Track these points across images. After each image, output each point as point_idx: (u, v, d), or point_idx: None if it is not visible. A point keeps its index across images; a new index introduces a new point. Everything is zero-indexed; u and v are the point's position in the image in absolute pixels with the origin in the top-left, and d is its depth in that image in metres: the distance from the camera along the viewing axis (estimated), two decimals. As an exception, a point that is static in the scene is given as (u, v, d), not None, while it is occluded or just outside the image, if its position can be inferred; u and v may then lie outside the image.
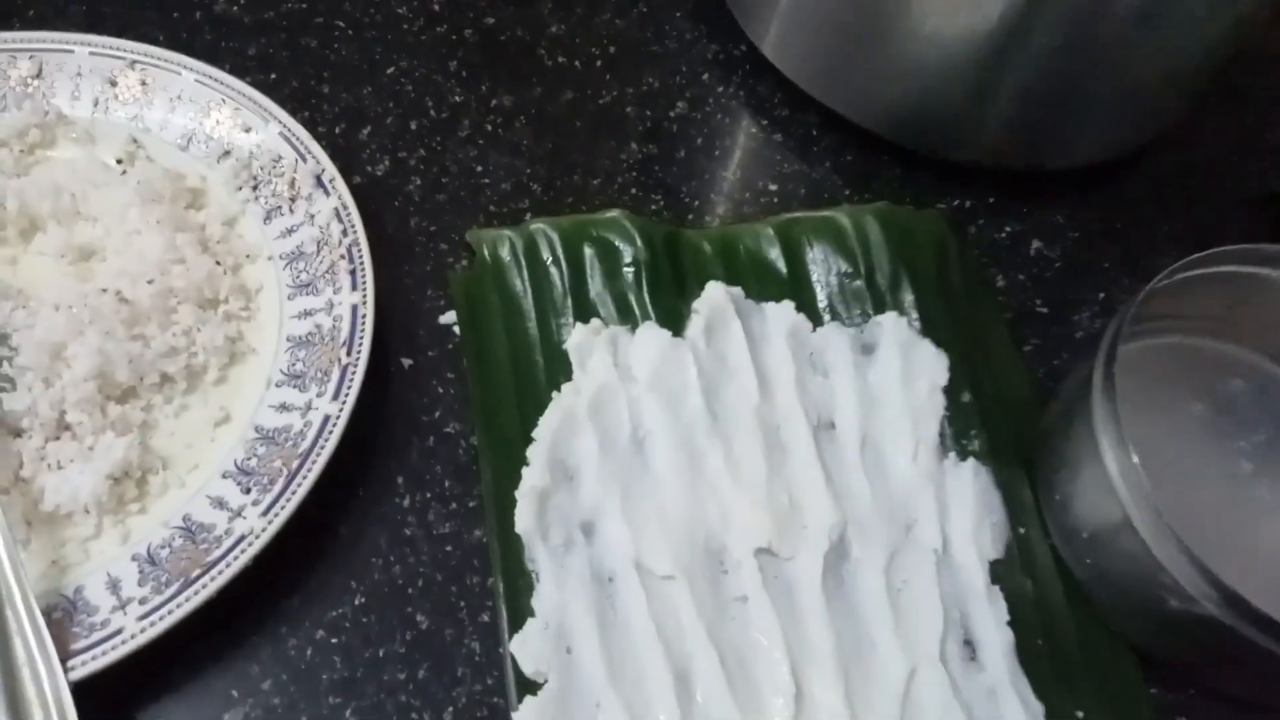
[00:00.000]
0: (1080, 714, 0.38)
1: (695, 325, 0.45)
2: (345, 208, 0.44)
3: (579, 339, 0.44)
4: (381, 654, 0.37)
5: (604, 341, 0.44)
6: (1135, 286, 0.50)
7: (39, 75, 0.46)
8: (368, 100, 0.51)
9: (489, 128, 0.51)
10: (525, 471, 0.41)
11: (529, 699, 0.36)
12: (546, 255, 0.46)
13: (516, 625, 0.38)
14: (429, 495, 0.41)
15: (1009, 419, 0.44)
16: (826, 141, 0.53)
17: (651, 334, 0.44)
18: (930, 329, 0.45)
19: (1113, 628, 0.40)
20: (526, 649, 0.37)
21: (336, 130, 0.50)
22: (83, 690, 0.34)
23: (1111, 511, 0.38)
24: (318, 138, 0.47)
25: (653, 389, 0.43)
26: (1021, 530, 0.42)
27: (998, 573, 0.40)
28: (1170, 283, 0.41)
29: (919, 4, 0.46)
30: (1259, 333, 0.45)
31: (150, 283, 0.41)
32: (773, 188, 0.51)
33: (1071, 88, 0.48)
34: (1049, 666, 0.39)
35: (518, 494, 0.40)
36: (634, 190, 0.50)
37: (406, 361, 0.44)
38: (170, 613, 0.35)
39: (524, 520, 0.40)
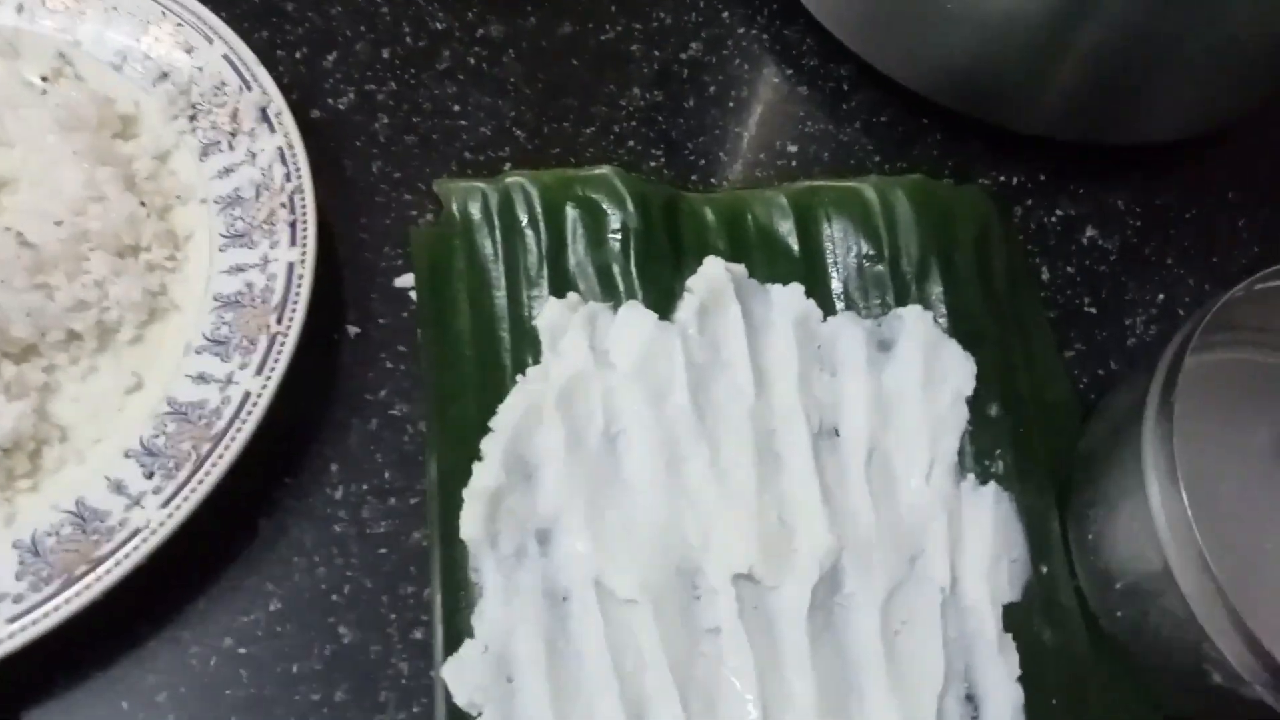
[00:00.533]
0: (1096, 793, 0.33)
1: (687, 306, 0.39)
2: (291, 148, 0.38)
3: (552, 315, 0.38)
4: (295, 670, 0.33)
5: (581, 320, 0.38)
6: (1201, 289, 0.44)
7: (-44, -26, 0.41)
8: (336, 21, 0.45)
9: (472, 61, 0.45)
10: (477, 467, 0.35)
11: (460, 734, 0.32)
12: (523, 215, 0.40)
13: (452, 646, 0.33)
14: (365, 488, 0.36)
15: (1042, 438, 0.39)
16: (859, 99, 0.46)
17: (636, 314, 0.38)
18: (959, 327, 0.39)
19: (1144, 693, 0.35)
20: (462, 675, 0.32)
21: (298, 55, 0.44)
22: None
23: (1153, 561, 0.33)
24: (276, 63, 0.41)
25: (632, 379, 0.37)
26: (1044, 570, 0.36)
27: (1012, 619, 0.35)
28: (1250, 293, 0.35)
29: (978, -58, 0.39)
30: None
31: (58, 224, 0.36)
32: (792, 149, 0.45)
33: (1155, 50, 0.41)
34: (1065, 733, 0.34)
35: (466, 493, 0.35)
36: (632, 143, 0.44)
37: (353, 330, 0.38)
38: (46, 615, 0.30)
39: (470, 524, 0.34)
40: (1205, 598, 0.31)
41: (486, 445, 0.36)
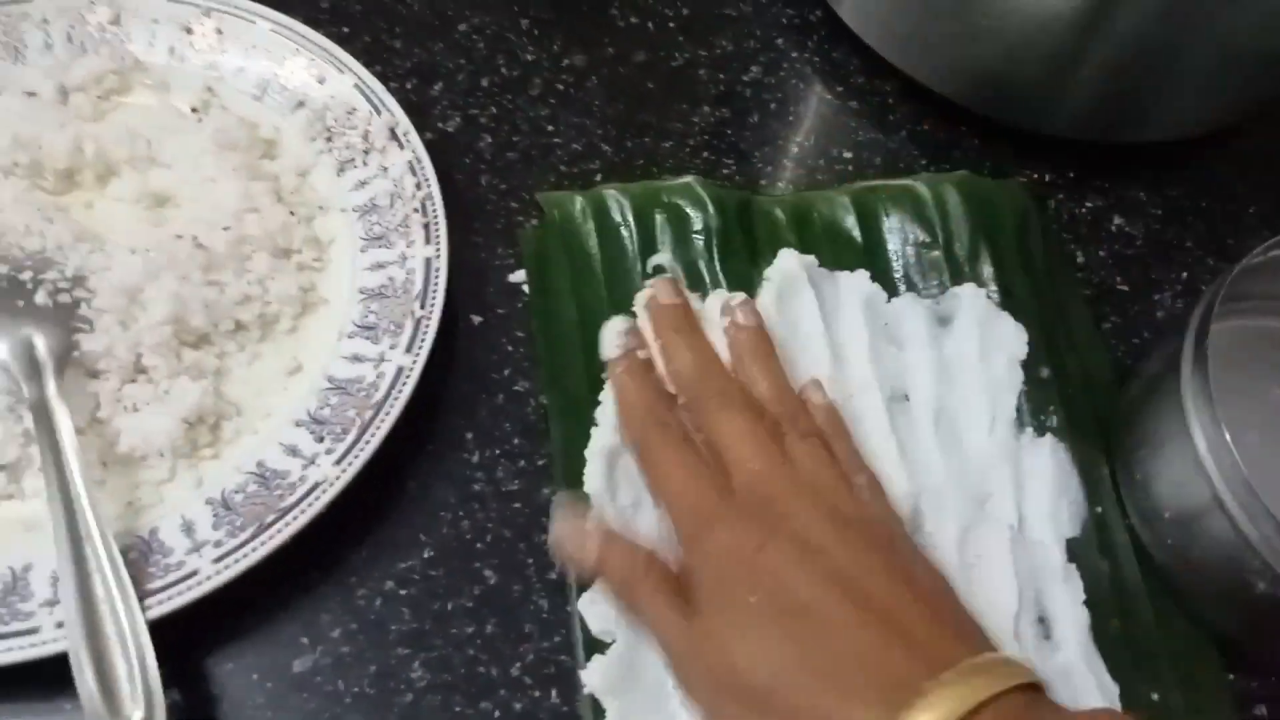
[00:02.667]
0: (1156, 696, 0.37)
1: (766, 293, 0.44)
2: (419, 161, 0.44)
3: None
4: (450, 608, 0.37)
5: None
6: (1219, 267, 0.49)
7: (116, 21, 0.46)
8: (439, 56, 0.51)
9: (560, 87, 0.51)
10: (595, 431, 0.40)
11: (597, 658, 0.36)
12: (617, 219, 0.45)
13: (585, 584, 0.38)
14: (497, 452, 0.41)
15: (1087, 397, 0.43)
16: (903, 110, 0.52)
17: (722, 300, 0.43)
18: (1009, 302, 0.44)
19: (1192, 612, 0.39)
20: (594, 608, 0.37)
21: (408, 86, 0.50)
22: (155, 632, 0.34)
23: (1197, 491, 0.37)
24: (389, 93, 0.46)
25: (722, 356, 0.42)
26: (1099, 510, 0.41)
27: (1074, 552, 0.40)
28: (1266, 259, 0.40)
29: (1007, -33, 0.45)
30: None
31: (226, 229, 0.41)
32: (847, 155, 0.50)
33: (1164, 59, 0.46)
34: (1125, 649, 0.38)
35: (587, 453, 0.40)
36: (706, 154, 0.50)
37: (476, 318, 0.44)
38: (245, 556, 0.35)
39: (593, 480, 0.39)
40: (1248, 513, 0.35)
41: (599, 414, 0.41)
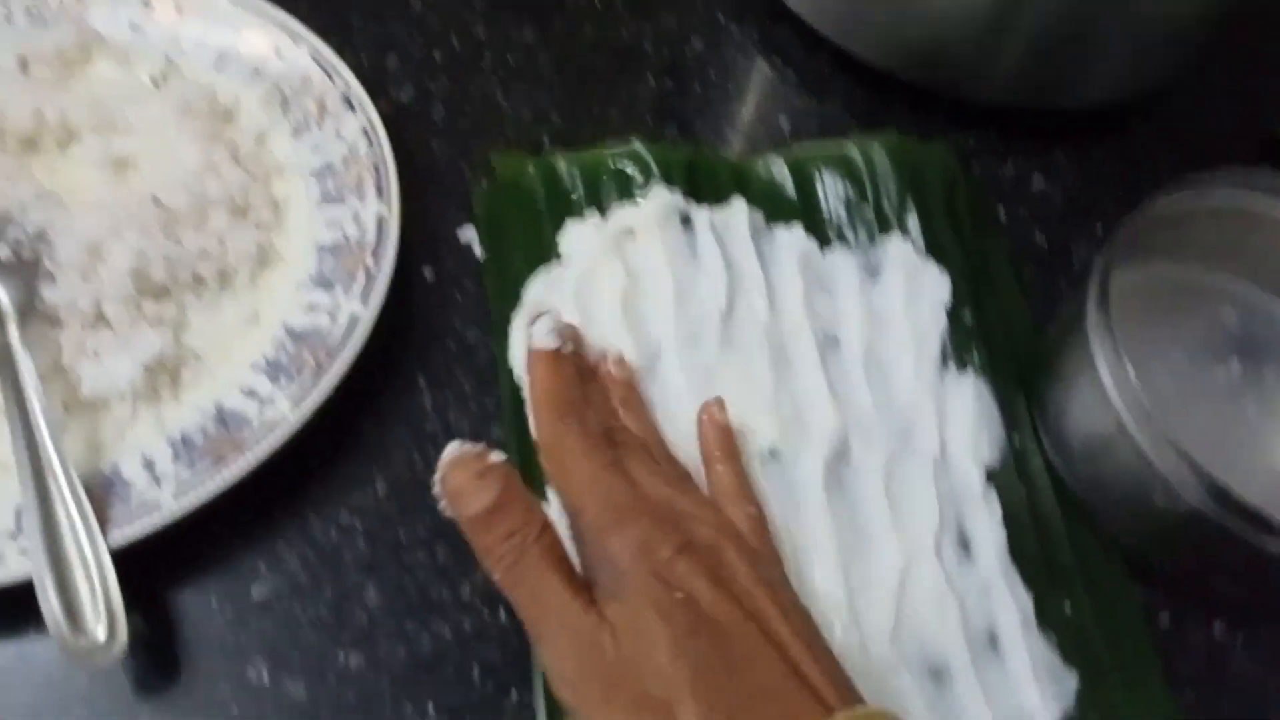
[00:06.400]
0: (1068, 605, 0.40)
1: (708, 242, 0.46)
2: (371, 125, 0.46)
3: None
4: (403, 538, 0.39)
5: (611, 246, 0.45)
6: (1135, 223, 0.52)
7: (77, -3, 0.48)
8: (393, 30, 0.53)
9: (510, 61, 0.53)
10: (541, 374, 0.42)
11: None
12: (565, 180, 0.48)
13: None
14: (449, 396, 0.43)
15: (1007, 340, 0.46)
16: (838, 81, 0.55)
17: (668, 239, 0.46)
18: (935, 252, 0.47)
19: (1101, 529, 0.42)
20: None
21: (363, 59, 0.52)
22: (118, 564, 0.35)
23: (1104, 419, 0.40)
24: (345, 64, 0.48)
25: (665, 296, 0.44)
26: (1017, 441, 0.43)
27: (993, 479, 0.42)
28: (1168, 200, 0.43)
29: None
30: (1253, 264, 0.46)
31: (185, 189, 0.43)
32: (784, 125, 0.53)
33: (1082, 29, 0.49)
34: (1040, 564, 0.41)
35: (534, 397, 0.42)
36: (650, 122, 0.52)
37: (428, 272, 0.46)
38: (204, 489, 0.36)
39: (539, 423, 0.41)
40: (1147, 433, 0.38)
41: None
